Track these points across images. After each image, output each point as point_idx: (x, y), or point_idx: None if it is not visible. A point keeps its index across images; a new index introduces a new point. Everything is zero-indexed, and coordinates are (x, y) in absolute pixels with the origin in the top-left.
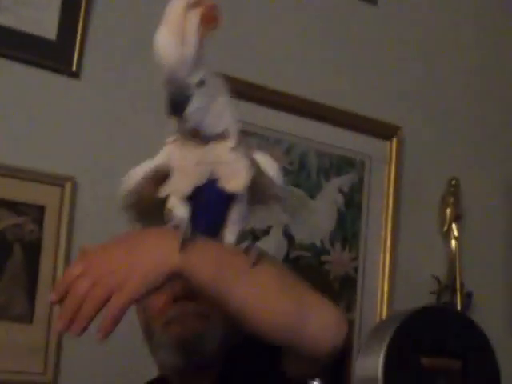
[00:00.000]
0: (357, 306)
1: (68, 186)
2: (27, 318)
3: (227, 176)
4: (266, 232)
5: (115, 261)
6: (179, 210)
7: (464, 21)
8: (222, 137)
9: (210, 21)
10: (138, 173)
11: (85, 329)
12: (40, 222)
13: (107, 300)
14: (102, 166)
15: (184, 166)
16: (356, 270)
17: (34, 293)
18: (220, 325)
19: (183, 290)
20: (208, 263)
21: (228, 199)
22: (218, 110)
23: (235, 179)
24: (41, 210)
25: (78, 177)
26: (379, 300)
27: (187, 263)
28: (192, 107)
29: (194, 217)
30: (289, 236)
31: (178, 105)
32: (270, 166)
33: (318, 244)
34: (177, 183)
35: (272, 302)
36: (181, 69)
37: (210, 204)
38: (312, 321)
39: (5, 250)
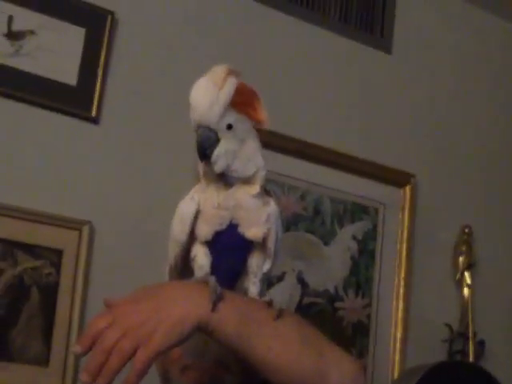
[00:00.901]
0: (369, 352)
1: (85, 229)
2: (43, 360)
3: (247, 222)
4: (280, 278)
5: (143, 313)
6: (201, 259)
7: (477, 70)
8: (246, 181)
9: (242, 93)
10: (189, 216)
11: (110, 382)
12: (57, 266)
13: (134, 353)
14: (119, 210)
15: (206, 210)
16: (369, 316)
17: (50, 336)
18: (239, 373)
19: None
20: (233, 317)
21: (247, 245)
22: (246, 155)
23: (255, 227)
24: (58, 253)
25: (95, 221)
26: (392, 347)
27: (213, 317)
28: (220, 150)
29: (214, 260)
30: (302, 282)
31: (206, 148)
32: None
33: (332, 290)
34: (199, 228)
35: (294, 355)
36: (211, 113)
37: (229, 249)
38: (331, 374)
39: (22, 293)
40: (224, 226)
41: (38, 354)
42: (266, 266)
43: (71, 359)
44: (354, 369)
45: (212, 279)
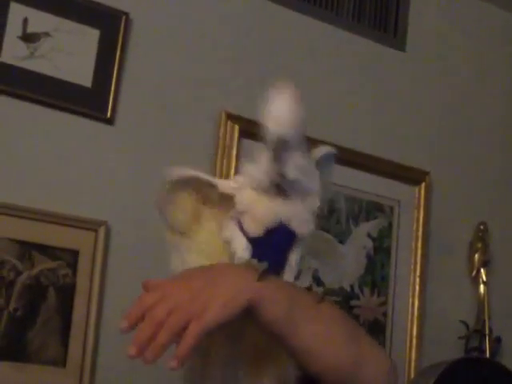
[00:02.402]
0: (386, 350)
1: (101, 230)
2: (60, 361)
3: (298, 221)
4: (296, 277)
5: (193, 290)
6: (242, 252)
7: (491, 67)
8: (303, 196)
9: None
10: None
11: (158, 356)
12: (74, 266)
13: (184, 328)
14: (134, 210)
15: (255, 212)
16: (385, 314)
17: (67, 337)
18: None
19: None
20: (281, 299)
21: (291, 242)
22: (310, 171)
23: (305, 224)
24: (75, 254)
25: (112, 221)
26: (408, 345)
27: (263, 297)
28: (293, 165)
29: (259, 256)
30: (318, 280)
31: (281, 162)
32: None
33: (348, 289)
34: (248, 225)
35: (336, 343)
36: (293, 127)
37: (277, 245)
38: (369, 365)
39: (39, 294)
40: (275, 224)
41: (55, 355)
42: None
43: (88, 360)
44: (389, 362)
45: (255, 261)
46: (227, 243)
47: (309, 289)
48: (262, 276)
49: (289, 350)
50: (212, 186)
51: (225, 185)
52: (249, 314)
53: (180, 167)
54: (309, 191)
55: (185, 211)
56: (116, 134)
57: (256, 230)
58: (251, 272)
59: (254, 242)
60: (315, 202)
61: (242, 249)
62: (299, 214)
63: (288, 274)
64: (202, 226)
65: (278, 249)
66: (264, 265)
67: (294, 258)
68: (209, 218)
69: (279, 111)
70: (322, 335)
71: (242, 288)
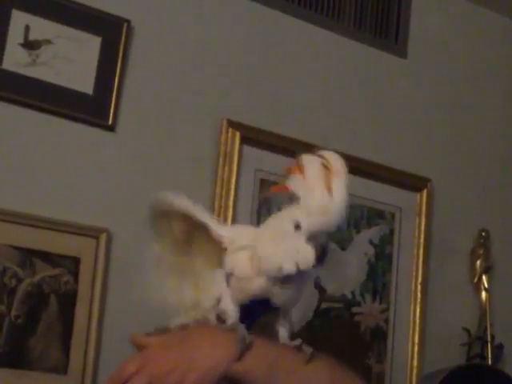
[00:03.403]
0: (387, 357)
1: (103, 237)
2: (62, 368)
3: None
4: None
5: (172, 360)
6: (227, 304)
7: (492, 73)
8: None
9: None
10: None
11: None
12: (75, 274)
13: None
14: (136, 217)
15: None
16: (386, 321)
17: (68, 344)
18: None
19: None
20: (261, 366)
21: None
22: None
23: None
24: (76, 261)
25: (113, 228)
26: (410, 351)
27: (241, 367)
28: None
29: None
30: (320, 287)
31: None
32: None
33: (349, 295)
34: (234, 291)
35: None
36: (337, 224)
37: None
38: None
39: (41, 301)
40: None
41: (56, 362)
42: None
43: (90, 367)
44: None
45: (241, 328)
46: (215, 299)
47: (299, 348)
48: (242, 354)
49: None
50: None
51: (221, 233)
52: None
53: (176, 195)
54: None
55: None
56: (117, 140)
57: (241, 299)
58: (230, 339)
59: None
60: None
61: (231, 314)
62: (283, 295)
63: (278, 323)
64: (194, 255)
65: (259, 317)
66: (244, 340)
67: (283, 331)
68: (199, 246)
69: (331, 200)
70: None
71: (217, 362)
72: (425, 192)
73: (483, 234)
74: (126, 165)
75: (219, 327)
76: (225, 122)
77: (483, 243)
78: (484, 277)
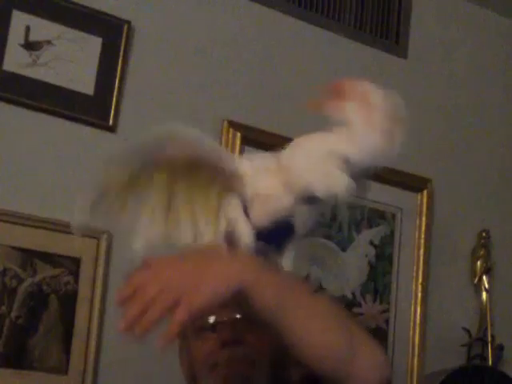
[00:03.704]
0: (388, 358)
1: (103, 238)
2: (63, 369)
3: (301, 221)
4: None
5: (185, 271)
6: (247, 233)
7: (493, 74)
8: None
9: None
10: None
11: (148, 331)
12: (76, 274)
13: (175, 306)
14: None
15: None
16: (387, 322)
17: (69, 344)
18: (266, 369)
19: (231, 335)
20: (273, 286)
21: (289, 239)
22: None
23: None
24: (76, 261)
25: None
26: (410, 352)
27: (254, 282)
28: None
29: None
30: (320, 288)
31: None
32: None
33: (349, 296)
34: (256, 213)
35: (329, 333)
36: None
37: (277, 239)
38: (361, 357)
39: (41, 302)
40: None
41: (57, 363)
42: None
43: (90, 367)
44: (381, 355)
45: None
46: (228, 223)
47: (306, 278)
48: (265, 263)
49: (281, 338)
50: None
51: (241, 163)
52: (240, 299)
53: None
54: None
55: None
56: (118, 141)
57: (262, 221)
58: (245, 258)
59: (257, 230)
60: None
61: (247, 235)
62: (304, 216)
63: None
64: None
65: (277, 242)
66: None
67: (288, 255)
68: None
69: (390, 147)
70: (315, 324)
71: (233, 273)
72: (425, 192)
73: (484, 234)
74: None
75: (234, 249)
76: (225, 123)
77: (484, 244)
78: (484, 277)
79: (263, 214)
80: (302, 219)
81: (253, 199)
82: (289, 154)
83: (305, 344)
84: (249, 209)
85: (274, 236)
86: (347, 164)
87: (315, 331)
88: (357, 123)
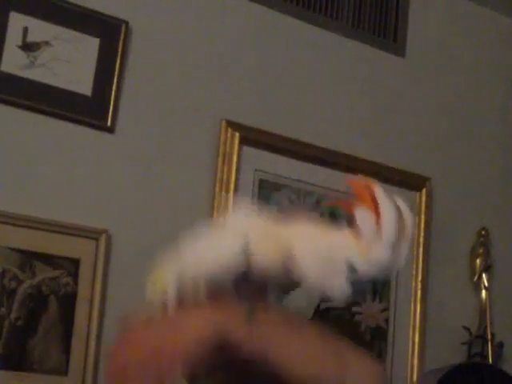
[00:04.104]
0: (388, 356)
1: (102, 238)
2: (62, 370)
3: None
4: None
5: (157, 338)
6: None
7: (491, 72)
8: None
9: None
10: None
11: None
12: (75, 275)
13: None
14: (135, 218)
15: None
16: (387, 321)
17: (69, 345)
18: (267, 372)
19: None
20: (251, 325)
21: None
22: None
23: None
24: (76, 262)
25: (112, 229)
26: (410, 351)
27: (229, 329)
28: None
29: None
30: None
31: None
32: None
33: None
34: None
35: (315, 358)
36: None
37: None
38: (355, 377)
39: (40, 303)
40: None
41: (56, 364)
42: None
43: (90, 368)
44: (373, 369)
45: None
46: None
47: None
48: (250, 315)
49: (270, 372)
50: None
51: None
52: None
53: None
54: None
55: None
56: (116, 142)
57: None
58: (221, 306)
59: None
60: None
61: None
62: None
63: None
64: None
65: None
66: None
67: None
68: None
69: (392, 263)
70: (300, 352)
71: (205, 324)
72: (424, 191)
73: (483, 232)
74: (126, 166)
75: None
76: (224, 123)
77: (483, 242)
78: (484, 275)
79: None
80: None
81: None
82: (294, 234)
83: (295, 375)
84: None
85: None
86: (351, 271)
87: (302, 359)
88: (367, 231)
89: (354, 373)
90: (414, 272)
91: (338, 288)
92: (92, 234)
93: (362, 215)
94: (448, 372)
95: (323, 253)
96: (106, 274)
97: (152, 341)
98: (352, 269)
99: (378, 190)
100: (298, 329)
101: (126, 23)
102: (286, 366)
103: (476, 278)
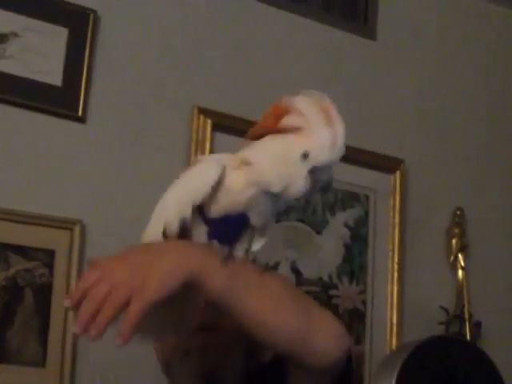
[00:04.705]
0: (366, 338)
1: (76, 229)
2: (40, 361)
3: (259, 216)
4: (274, 268)
5: (134, 266)
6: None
7: (463, 54)
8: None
9: None
10: (212, 180)
11: (102, 332)
12: (50, 266)
13: (126, 304)
14: (109, 208)
15: (225, 189)
16: (364, 302)
17: (46, 336)
18: (241, 355)
19: (206, 319)
20: (221, 270)
21: (246, 227)
22: None
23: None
24: (51, 253)
25: (86, 219)
26: (388, 332)
27: (202, 270)
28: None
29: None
30: (296, 271)
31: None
32: None
33: (326, 278)
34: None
35: (282, 312)
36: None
37: (229, 229)
38: (317, 332)
39: (16, 295)
40: (235, 212)
41: (34, 355)
42: (257, 246)
43: (68, 359)
44: (338, 326)
45: (216, 244)
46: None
47: (254, 261)
48: (227, 260)
49: (236, 321)
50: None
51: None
52: (192, 288)
53: None
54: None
55: None
56: (88, 132)
57: (220, 212)
58: (194, 246)
59: (211, 222)
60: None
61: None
62: (260, 208)
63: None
64: None
65: (230, 233)
66: (225, 250)
67: (246, 239)
68: None
69: (342, 140)
70: (266, 304)
71: (180, 263)
72: (398, 173)
73: (458, 212)
74: (98, 155)
75: (187, 241)
76: (196, 110)
77: (458, 222)
78: (460, 255)
79: (223, 207)
80: (259, 212)
81: (216, 191)
82: (253, 152)
83: (258, 325)
84: (207, 200)
85: (228, 227)
86: (307, 160)
87: (267, 312)
88: (310, 123)
89: (320, 329)
90: (390, 253)
91: (299, 183)
92: (66, 225)
93: (290, 119)
94: (419, 346)
95: (279, 157)
96: (81, 265)
97: (129, 267)
98: (307, 156)
99: (297, 101)
100: (258, 277)
101: (95, 12)
102: (251, 314)
103: (452, 258)
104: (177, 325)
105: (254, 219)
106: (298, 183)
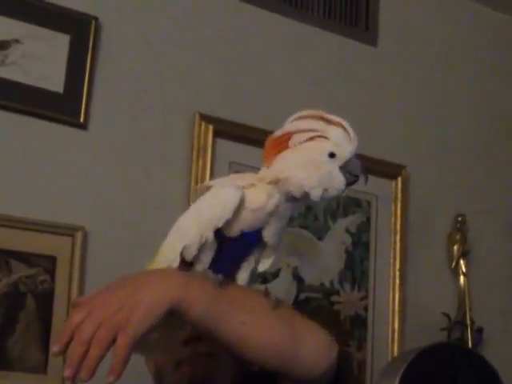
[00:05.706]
0: (368, 344)
1: (78, 235)
2: (41, 368)
3: (273, 229)
4: (276, 275)
5: (117, 300)
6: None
7: (464, 60)
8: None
9: None
10: (234, 203)
11: (93, 373)
12: (52, 273)
13: (113, 340)
14: (111, 214)
15: (243, 209)
16: (366, 309)
17: (47, 343)
18: (230, 362)
19: (193, 331)
20: (203, 295)
21: (257, 244)
22: None
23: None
24: (52, 260)
25: (88, 226)
26: (390, 338)
27: (183, 298)
28: None
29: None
30: (298, 278)
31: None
32: None
33: (328, 285)
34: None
35: (267, 330)
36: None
37: (242, 247)
38: (304, 345)
39: (18, 301)
40: (253, 229)
41: (36, 362)
42: (265, 266)
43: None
44: (325, 337)
45: (210, 272)
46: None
47: (265, 292)
48: (221, 286)
49: (222, 345)
50: None
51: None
52: (177, 316)
53: None
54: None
55: None
56: (90, 138)
57: (235, 232)
58: (176, 274)
59: (226, 241)
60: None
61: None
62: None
63: (240, 269)
64: None
65: (240, 249)
66: (219, 277)
67: (254, 257)
68: None
69: (347, 130)
70: (252, 322)
71: (162, 293)
72: (400, 179)
73: (459, 218)
74: (100, 162)
75: (173, 269)
76: (197, 116)
77: (460, 228)
78: (462, 261)
79: (242, 225)
80: (274, 227)
81: (236, 212)
82: (275, 169)
83: (243, 346)
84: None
85: (242, 244)
86: (335, 158)
87: (251, 332)
88: (316, 130)
89: (307, 342)
90: (391, 260)
91: (338, 182)
92: (68, 231)
93: (297, 138)
94: (420, 352)
95: (309, 163)
96: (82, 271)
97: (114, 301)
98: (334, 156)
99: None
100: (241, 300)
101: (96, 19)
102: (235, 336)
103: (454, 264)
104: (164, 344)
105: (268, 236)
106: (337, 180)
